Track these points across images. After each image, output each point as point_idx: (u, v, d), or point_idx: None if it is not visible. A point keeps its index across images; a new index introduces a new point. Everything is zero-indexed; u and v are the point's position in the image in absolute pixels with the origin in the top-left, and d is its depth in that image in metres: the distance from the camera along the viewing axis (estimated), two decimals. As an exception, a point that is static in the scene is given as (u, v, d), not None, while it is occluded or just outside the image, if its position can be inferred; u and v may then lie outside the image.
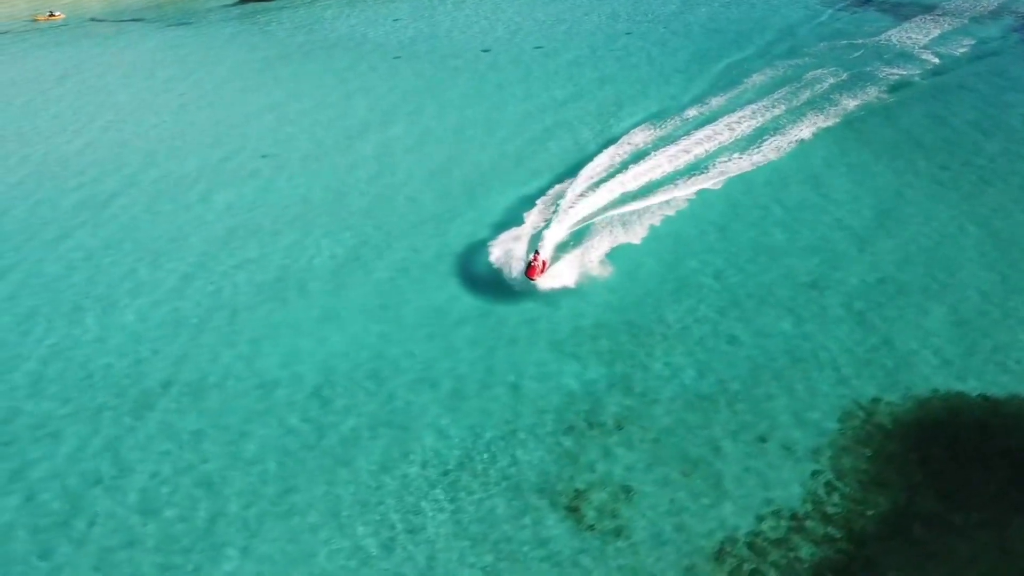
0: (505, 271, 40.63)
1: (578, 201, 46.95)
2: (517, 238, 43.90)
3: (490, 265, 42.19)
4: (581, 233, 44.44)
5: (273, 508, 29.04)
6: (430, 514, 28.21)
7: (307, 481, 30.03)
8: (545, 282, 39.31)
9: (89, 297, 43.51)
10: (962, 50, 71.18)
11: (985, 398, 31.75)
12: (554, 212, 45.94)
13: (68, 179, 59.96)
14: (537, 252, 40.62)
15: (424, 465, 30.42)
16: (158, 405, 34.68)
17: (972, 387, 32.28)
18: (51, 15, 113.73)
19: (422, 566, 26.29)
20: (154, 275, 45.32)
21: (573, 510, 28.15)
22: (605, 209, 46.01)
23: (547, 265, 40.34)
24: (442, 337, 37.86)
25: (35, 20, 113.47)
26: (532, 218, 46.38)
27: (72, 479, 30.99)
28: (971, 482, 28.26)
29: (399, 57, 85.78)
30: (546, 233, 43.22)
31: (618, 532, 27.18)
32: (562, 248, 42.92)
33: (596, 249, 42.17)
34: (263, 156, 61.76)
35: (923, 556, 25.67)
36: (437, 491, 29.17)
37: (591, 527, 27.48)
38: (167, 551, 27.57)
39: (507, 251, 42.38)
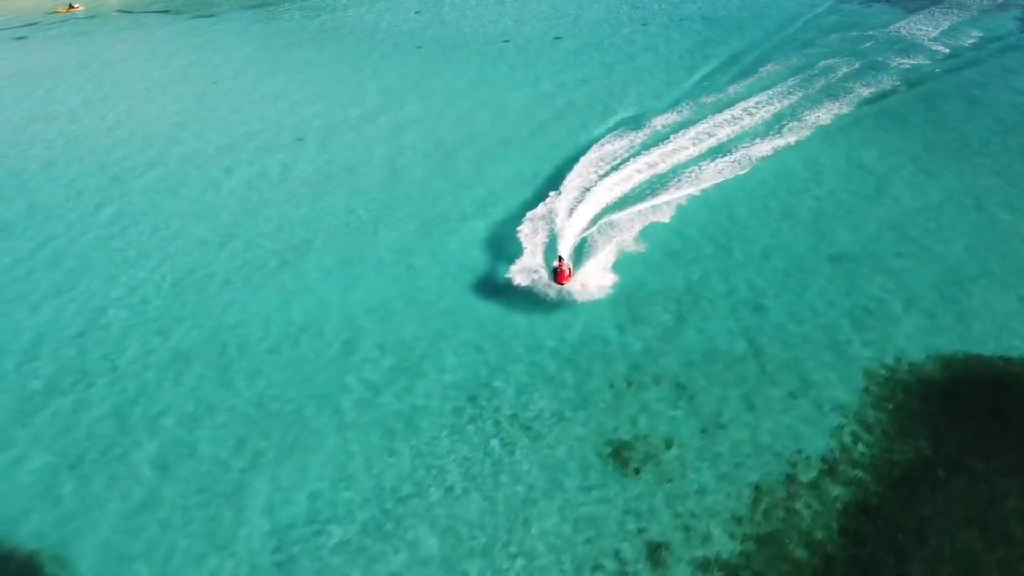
0: (534, 279, 40.05)
1: (598, 190, 48.55)
2: (537, 217, 46.24)
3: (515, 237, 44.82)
4: (606, 221, 46.27)
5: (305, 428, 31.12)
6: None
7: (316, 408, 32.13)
8: (575, 284, 39.37)
9: (126, 262, 45.96)
10: (971, 41, 73.26)
11: (1003, 359, 33.85)
12: (572, 207, 46.73)
13: (100, 157, 62.03)
14: (561, 258, 40.60)
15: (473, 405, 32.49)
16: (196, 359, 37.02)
17: (991, 348, 34.38)
18: (71, 7, 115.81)
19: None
20: (185, 240, 47.92)
21: (618, 456, 30.23)
22: (626, 198, 47.71)
23: (572, 270, 40.16)
24: (452, 290, 41.26)
25: (56, 12, 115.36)
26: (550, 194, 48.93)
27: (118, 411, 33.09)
28: (990, 433, 30.36)
29: (421, 47, 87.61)
30: (565, 233, 43.59)
31: (662, 469, 29.34)
32: (588, 239, 44.42)
33: (628, 232, 43.85)
34: (298, 139, 63.76)
35: (948, 499, 27.74)
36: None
37: (636, 471, 29.57)
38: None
39: (532, 228, 44.75)
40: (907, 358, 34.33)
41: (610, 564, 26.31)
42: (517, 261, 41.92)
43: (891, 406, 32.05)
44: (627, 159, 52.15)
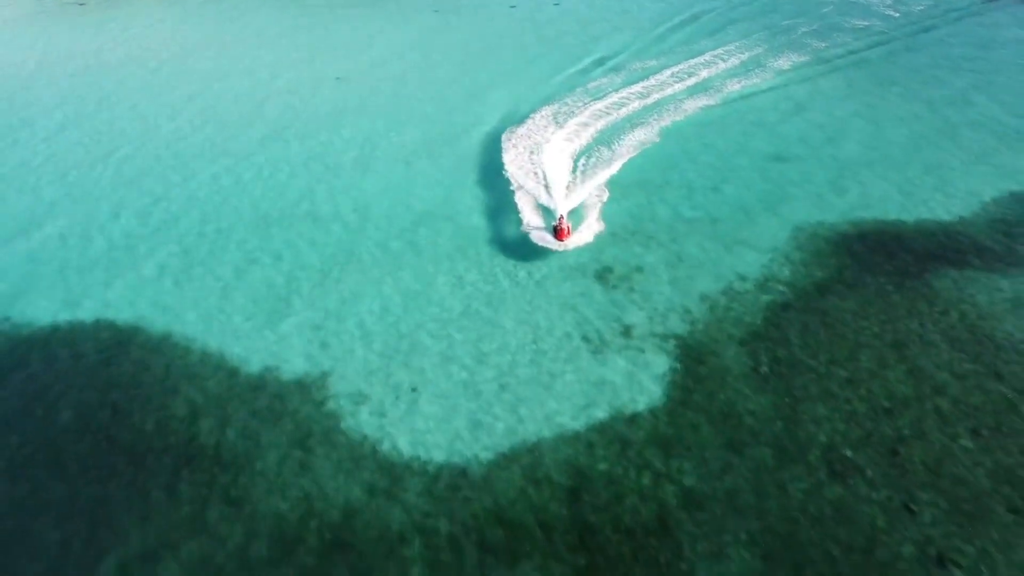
0: (533, 237, 43.18)
1: (593, 122, 57.87)
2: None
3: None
4: (608, 137, 56.00)
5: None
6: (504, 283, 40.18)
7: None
8: (577, 239, 42.75)
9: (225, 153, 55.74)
10: (919, 8, 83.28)
11: (886, 219, 43.97)
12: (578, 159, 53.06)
13: (159, 115, 71.56)
14: (561, 216, 43.81)
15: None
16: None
17: (878, 212, 44.54)
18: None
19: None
20: (245, 154, 57.52)
21: (601, 278, 40.08)
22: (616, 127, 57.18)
23: (571, 228, 43.10)
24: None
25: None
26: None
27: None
28: (876, 262, 40.28)
29: (438, 11, 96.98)
30: (565, 189, 48.19)
31: (634, 286, 39.22)
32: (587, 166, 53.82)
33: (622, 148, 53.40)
34: (336, 78, 73.35)
35: (845, 300, 37.60)
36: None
37: (615, 287, 39.42)
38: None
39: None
40: (823, 220, 44.37)
41: (594, 335, 36.15)
42: (504, 158, 52.95)
43: (809, 247, 41.98)
44: (613, 94, 61.79)
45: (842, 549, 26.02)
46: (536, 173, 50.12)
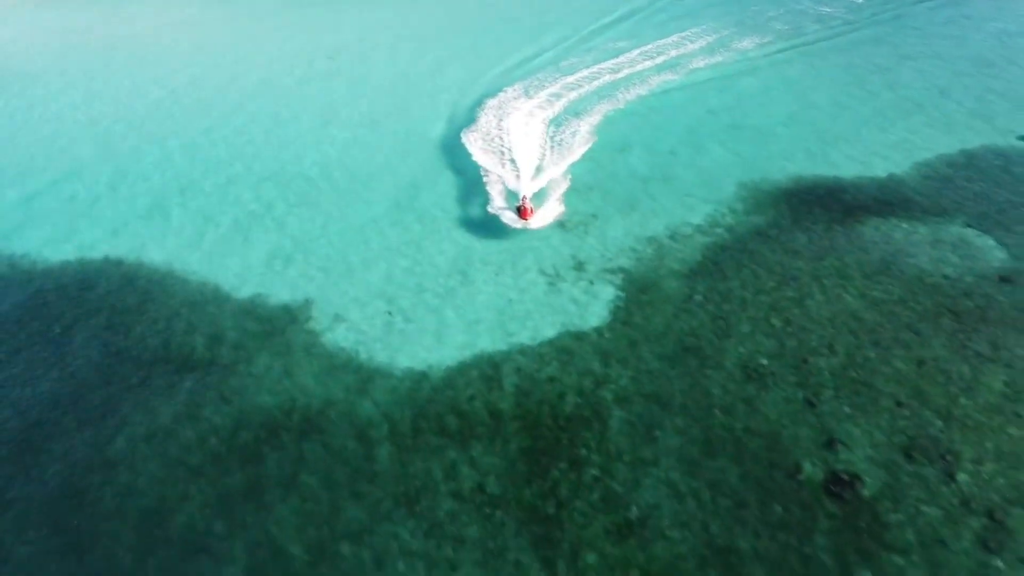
0: (500, 217, 44.86)
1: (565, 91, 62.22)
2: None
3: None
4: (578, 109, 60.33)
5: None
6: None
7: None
8: (539, 220, 44.25)
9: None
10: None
11: (825, 176, 48.27)
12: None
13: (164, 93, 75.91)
14: (524, 197, 45.36)
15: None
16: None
17: (822, 170, 48.83)
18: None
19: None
20: (244, 117, 61.78)
21: (563, 227, 44.39)
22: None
23: (534, 208, 44.61)
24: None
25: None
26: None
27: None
28: (815, 214, 44.55)
29: None
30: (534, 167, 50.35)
31: (589, 231, 43.51)
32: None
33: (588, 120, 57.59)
34: (328, 57, 77.70)
35: (784, 240, 41.87)
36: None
37: (573, 229, 43.74)
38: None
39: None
40: (767, 177, 48.69)
41: (550, 270, 40.48)
42: (473, 126, 57.01)
43: (751, 200, 46.27)
44: (584, 70, 66.09)
45: (749, 433, 30.27)
46: (504, 147, 53.92)
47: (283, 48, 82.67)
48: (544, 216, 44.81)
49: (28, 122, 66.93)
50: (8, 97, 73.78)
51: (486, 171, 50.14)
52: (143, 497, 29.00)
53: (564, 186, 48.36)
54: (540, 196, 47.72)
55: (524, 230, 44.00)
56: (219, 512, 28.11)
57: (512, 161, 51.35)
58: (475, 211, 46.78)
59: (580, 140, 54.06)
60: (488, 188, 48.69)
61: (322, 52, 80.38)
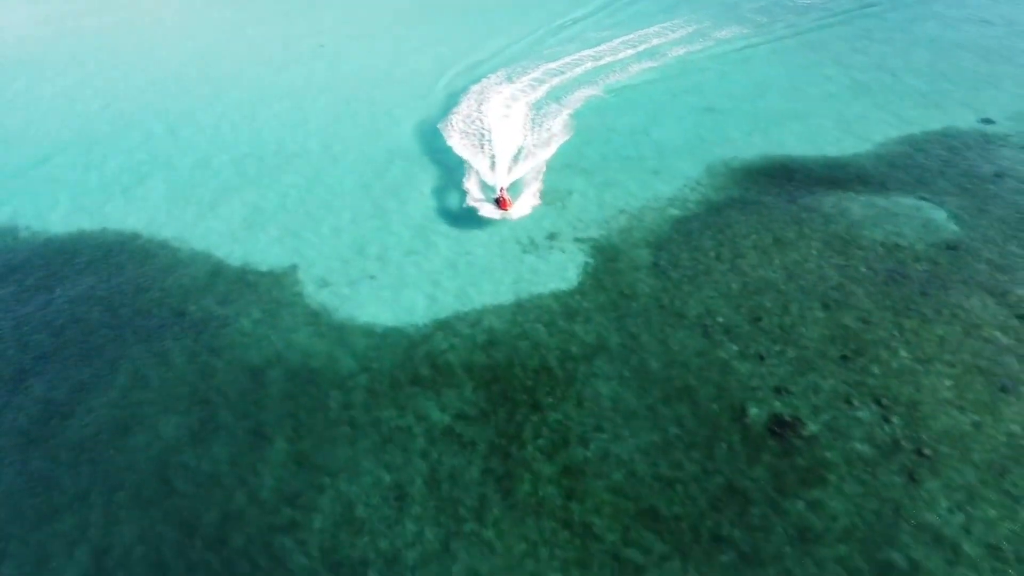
0: (478, 210, 45.35)
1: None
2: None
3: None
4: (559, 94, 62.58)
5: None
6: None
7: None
8: (519, 210, 45.07)
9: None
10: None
11: (789, 156, 50.54)
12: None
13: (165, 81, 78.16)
14: (502, 188, 46.38)
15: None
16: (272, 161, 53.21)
17: (785, 150, 51.15)
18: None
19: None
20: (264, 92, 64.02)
21: (543, 196, 46.71)
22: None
23: (511, 199, 45.34)
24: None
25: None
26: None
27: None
28: (778, 189, 46.80)
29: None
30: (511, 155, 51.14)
31: (565, 205, 45.79)
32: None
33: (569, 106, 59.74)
34: (320, 45, 79.93)
35: (745, 214, 44.15)
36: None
37: (550, 203, 46.03)
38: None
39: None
40: (736, 156, 51.02)
41: (525, 239, 42.73)
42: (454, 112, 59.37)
43: (719, 177, 48.58)
44: (565, 57, 68.33)
45: (702, 382, 32.51)
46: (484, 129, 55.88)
47: (267, 33, 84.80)
48: (523, 206, 45.83)
49: (29, 103, 69.02)
50: (7, 80, 75.91)
51: (466, 160, 51.53)
52: (136, 434, 31.20)
53: (541, 177, 49.28)
54: (517, 188, 48.56)
55: (504, 220, 44.76)
56: (204, 450, 30.31)
57: (491, 151, 52.50)
58: (452, 191, 48.95)
59: (556, 134, 55.36)
60: (466, 182, 49.37)
61: (300, 34, 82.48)
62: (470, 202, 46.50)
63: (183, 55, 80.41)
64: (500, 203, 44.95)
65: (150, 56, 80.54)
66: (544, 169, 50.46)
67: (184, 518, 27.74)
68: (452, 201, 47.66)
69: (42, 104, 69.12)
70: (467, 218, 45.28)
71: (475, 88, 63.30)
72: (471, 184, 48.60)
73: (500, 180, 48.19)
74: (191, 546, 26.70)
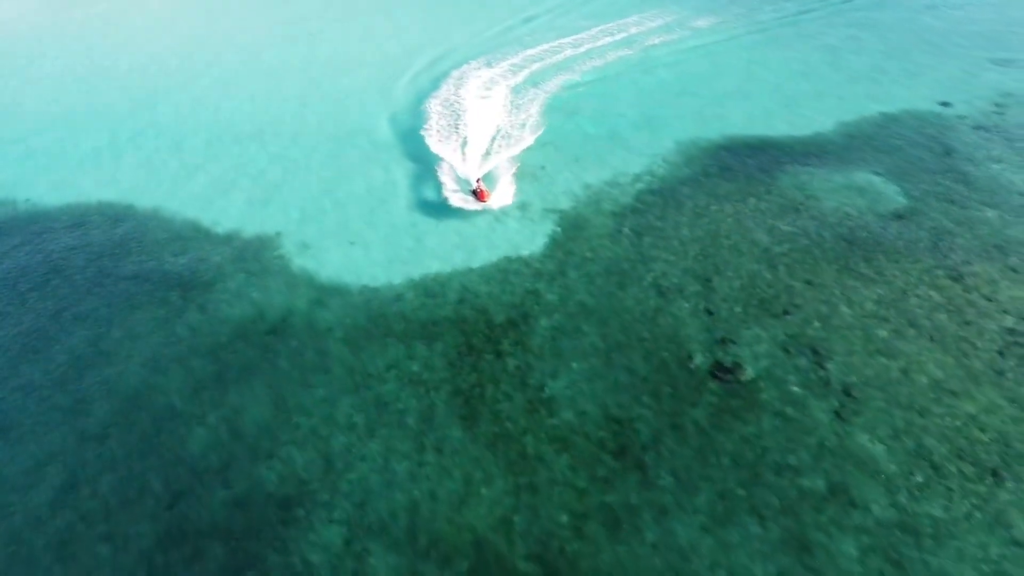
0: (452, 202, 45.98)
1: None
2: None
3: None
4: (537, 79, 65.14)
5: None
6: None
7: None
8: (498, 200, 45.66)
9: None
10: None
11: (754, 135, 53.08)
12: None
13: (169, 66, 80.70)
14: (479, 180, 46.87)
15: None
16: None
17: (752, 131, 53.61)
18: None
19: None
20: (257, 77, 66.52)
21: (519, 175, 49.20)
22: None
23: (488, 191, 45.79)
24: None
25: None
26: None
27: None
28: (739, 165, 49.34)
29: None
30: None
31: (537, 179, 48.28)
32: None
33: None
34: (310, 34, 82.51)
35: (707, 190, 46.63)
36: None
37: (522, 178, 48.51)
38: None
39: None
40: (702, 135, 53.47)
41: (498, 212, 45.22)
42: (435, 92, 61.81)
43: (684, 154, 51.03)
44: (546, 44, 70.83)
45: (654, 335, 35.03)
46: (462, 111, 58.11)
47: (263, 22, 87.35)
48: (502, 196, 46.32)
49: (31, 88, 71.54)
50: (15, 66, 78.43)
51: (441, 155, 52.03)
52: (130, 379, 33.73)
53: (515, 167, 50.00)
54: (490, 178, 49.10)
55: (484, 211, 45.14)
56: (194, 393, 32.83)
57: (465, 136, 53.83)
58: (428, 173, 51.38)
59: (530, 127, 55.99)
60: (439, 174, 50.03)
61: (289, 23, 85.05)
62: (447, 193, 46.98)
63: (167, 41, 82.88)
64: (478, 195, 45.74)
65: (134, 43, 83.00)
66: (518, 156, 52.60)
67: (167, 448, 30.26)
68: (426, 177, 50.08)
69: (29, 87, 71.60)
70: (443, 192, 47.74)
71: (456, 73, 65.81)
72: (446, 177, 49.21)
73: (474, 172, 48.90)
74: (175, 475, 29.22)
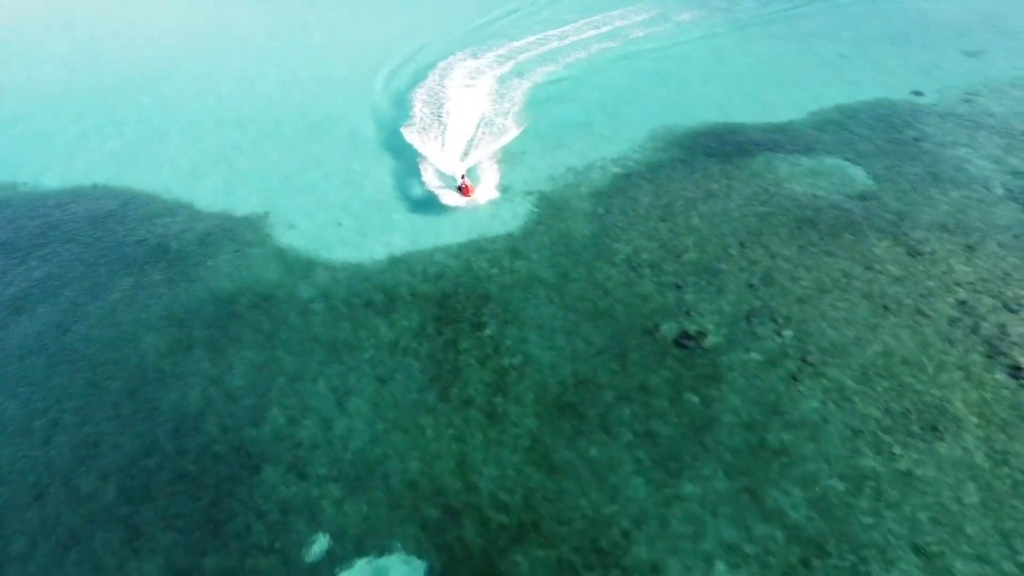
0: (440, 198, 45.88)
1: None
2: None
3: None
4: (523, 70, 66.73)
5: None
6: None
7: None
8: (484, 193, 45.98)
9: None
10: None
11: (740, 123, 54.68)
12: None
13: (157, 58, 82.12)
14: (464, 175, 46.95)
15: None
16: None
17: (728, 119, 55.24)
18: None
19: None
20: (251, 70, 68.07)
21: (500, 160, 50.76)
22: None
23: (472, 186, 45.98)
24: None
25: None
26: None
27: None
28: (713, 150, 50.97)
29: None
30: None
31: (518, 164, 49.88)
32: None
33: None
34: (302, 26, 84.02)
35: (686, 173, 48.23)
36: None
37: (503, 162, 50.11)
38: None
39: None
40: (679, 123, 55.13)
41: (477, 193, 46.79)
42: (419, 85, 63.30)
43: (661, 140, 52.68)
44: (532, 36, 72.43)
45: (623, 306, 36.60)
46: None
47: (250, 12, 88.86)
48: (489, 189, 46.59)
49: (33, 76, 72.92)
50: (16, 53, 79.78)
51: (422, 147, 52.61)
52: (120, 347, 35.25)
53: (499, 157, 50.72)
54: (474, 172, 49.39)
55: (471, 207, 44.99)
56: (181, 358, 34.36)
57: (447, 127, 54.68)
58: (411, 161, 52.93)
59: (514, 117, 56.72)
60: (421, 169, 50.13)
61: (273, 15, 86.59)
62: (433, 190, 46.88)
63: (155, 31, 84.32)
64: (463, 190, 45.80)
65: (123, 32, 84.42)
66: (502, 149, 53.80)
67: (153, 407, 31.79)
68: (410, 162, 51.61)
69: (48, 73, 72.98)
70: (428, 187, 49.28)
71: (442, 64, 67.37)
72: (428, 175, 49.07)
73: (458, 167, 48.92)
74: (160, 425, 30.76)
